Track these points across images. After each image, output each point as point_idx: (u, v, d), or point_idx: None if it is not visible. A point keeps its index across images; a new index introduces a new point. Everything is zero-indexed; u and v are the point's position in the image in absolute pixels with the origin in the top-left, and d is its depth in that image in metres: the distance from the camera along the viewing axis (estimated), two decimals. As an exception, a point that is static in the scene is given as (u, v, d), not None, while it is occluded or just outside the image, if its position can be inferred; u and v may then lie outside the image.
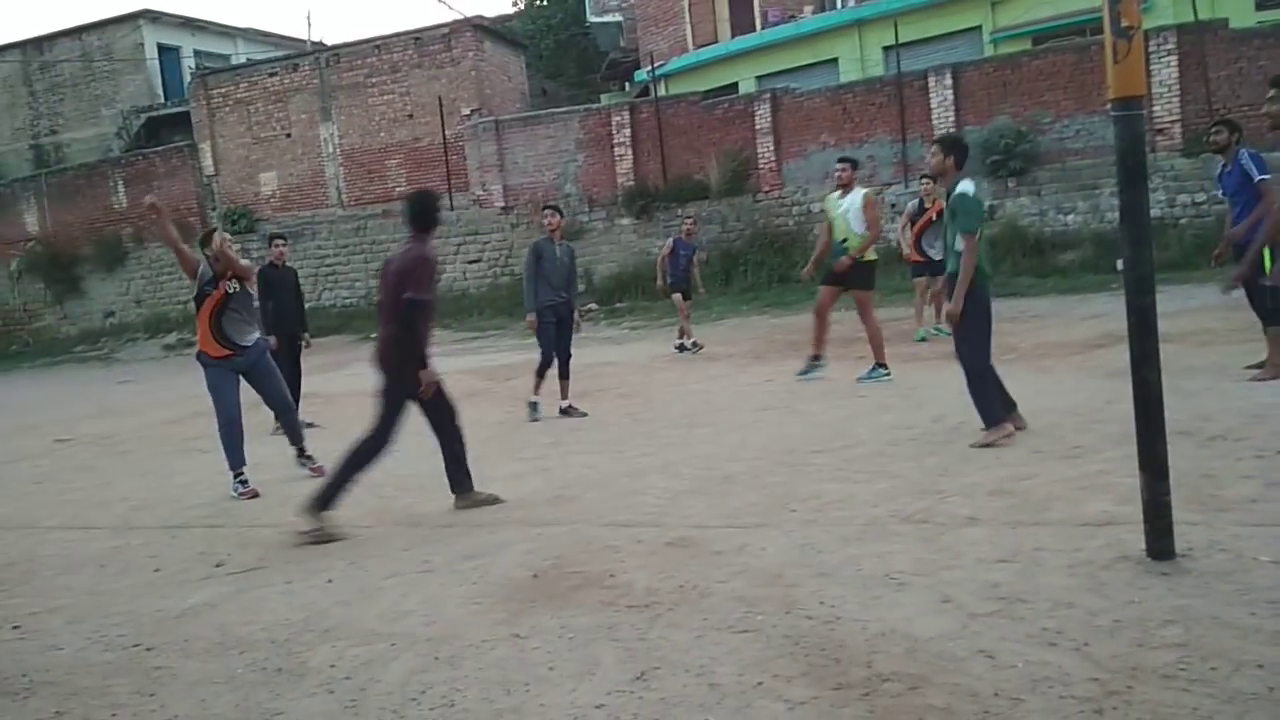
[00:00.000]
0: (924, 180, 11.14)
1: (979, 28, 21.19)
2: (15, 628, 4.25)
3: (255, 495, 6.50)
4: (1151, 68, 16.29)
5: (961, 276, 5.87)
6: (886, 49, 21.31)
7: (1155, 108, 16.34)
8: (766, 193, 19.49)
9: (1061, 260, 15.73)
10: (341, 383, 12.57)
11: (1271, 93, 5.07)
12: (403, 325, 5.31)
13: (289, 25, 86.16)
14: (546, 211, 8.82)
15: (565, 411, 8.50)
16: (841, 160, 8.94)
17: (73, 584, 4.88)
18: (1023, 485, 4.96)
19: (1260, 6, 20.61)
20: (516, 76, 25.17)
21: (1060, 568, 3.76)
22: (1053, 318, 11.56)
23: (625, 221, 20.45)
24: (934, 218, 10.56)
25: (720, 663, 3.24)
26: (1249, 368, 7.11)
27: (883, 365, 8.63)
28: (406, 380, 5.37)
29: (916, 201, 11.23)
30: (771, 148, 19.48)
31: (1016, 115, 17.06)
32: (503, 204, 21.76)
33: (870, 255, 8.72)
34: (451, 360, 12.98)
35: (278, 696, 3.30)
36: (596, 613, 3.78)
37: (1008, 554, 3.98)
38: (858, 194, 8.75)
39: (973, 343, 5.98)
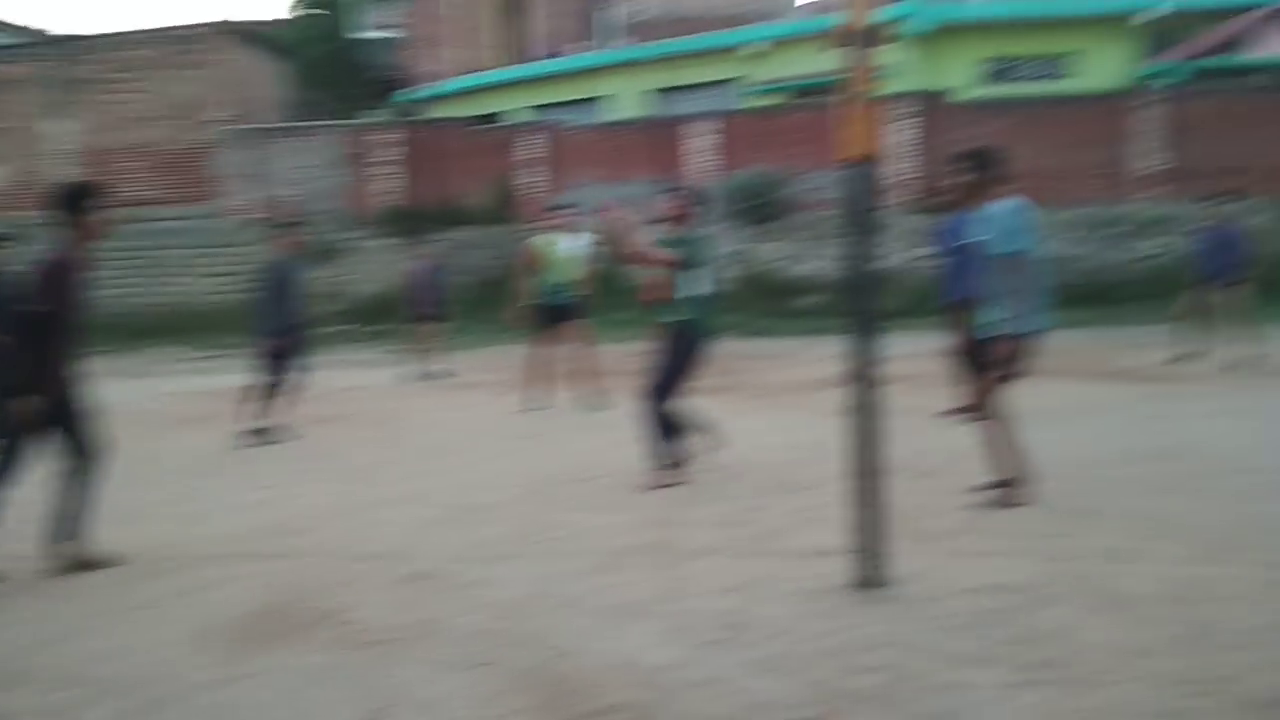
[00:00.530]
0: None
1: (735, 79, 22.32)
2: None
3: None
4: (890, 131, 17.70)
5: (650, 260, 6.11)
6: (655, 91, 22.06)
7: (894, 167, 17.75)
8: (532, 223, 19.60)
9: (804, 304, 16.71)
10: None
11: (957, 166, 5.29)
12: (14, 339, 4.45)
13: (27, 13, 78.84)
14: (289, 229, 8.45)
15: (261, 432, 8.07)
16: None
17: None
18: (754, 516, 5.20)
19: (985, 81, 22.88)
20: (274, 85, 24.11)
21: (783, 596, 3.97)
22: (792, 358, 12.23)
23: (385, 242, 19.97)
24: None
25: (455, 699, 3.20)
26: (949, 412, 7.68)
27: (596, 398, 8.83)
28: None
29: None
30: (540, 178, 19.65)
31: (771, 165, 18.04)
32: (254, 215, 20.70)
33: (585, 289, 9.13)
34: (187, 380, 12.21)
35: (-48, 751, 2.97)
36: (328, 650, 3.64)
37: (736, 583, 4.15)
38: (586, 236, 9.12)
39: (661, 378, 6.05)
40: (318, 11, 32.22)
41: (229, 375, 11.61)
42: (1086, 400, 8.23)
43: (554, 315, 9.03)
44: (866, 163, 3.85)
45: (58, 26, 37.55)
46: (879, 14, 3.93)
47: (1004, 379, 5.11)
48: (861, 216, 3.90)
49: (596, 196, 19.02)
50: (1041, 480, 5.20)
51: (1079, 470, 5.94)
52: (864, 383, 3.92)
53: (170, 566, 4.78)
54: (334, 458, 7.48)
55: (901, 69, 21.38)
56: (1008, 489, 5.12)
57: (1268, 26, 22.09)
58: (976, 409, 5.26)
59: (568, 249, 9.10)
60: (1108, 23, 23.22)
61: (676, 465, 6.07)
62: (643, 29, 27.32)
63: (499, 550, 4.82)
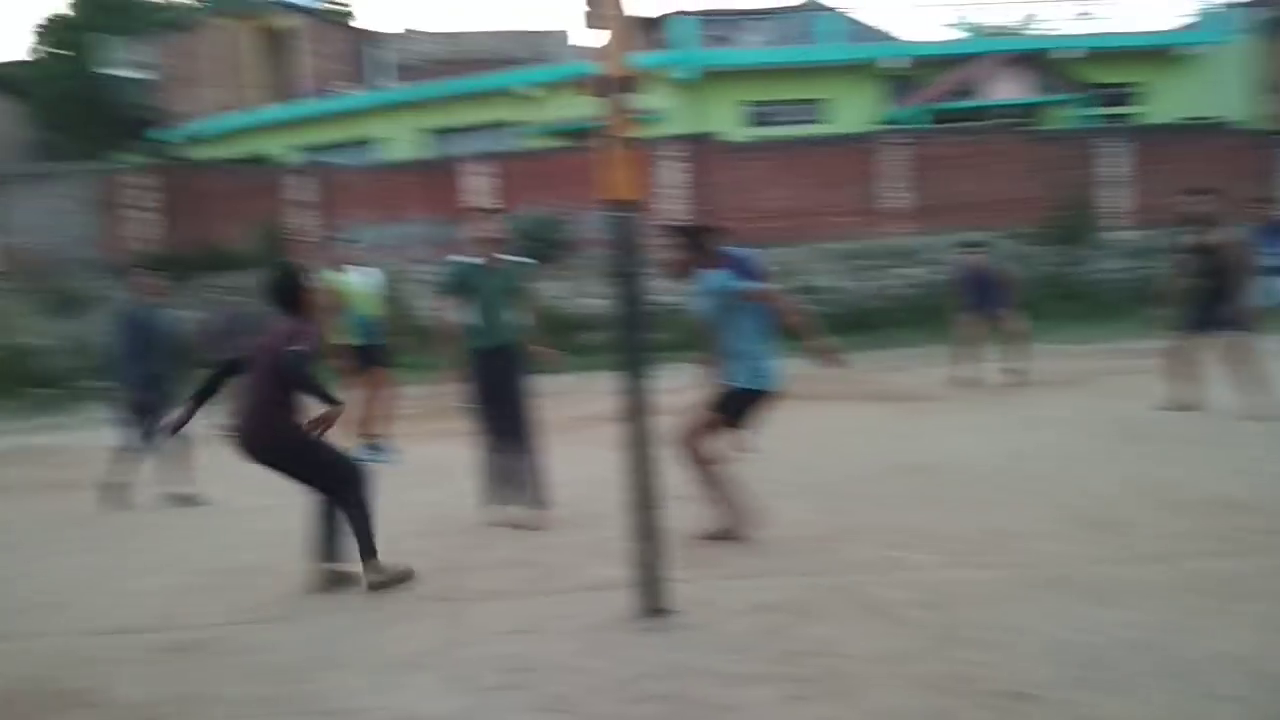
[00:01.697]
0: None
1: (519, 121, 22.50)
2: None
3: None
4: (662, 171, 18.29)
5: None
6: (431, 131, 21.90)
7: (664, 208, 18.32)
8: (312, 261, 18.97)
9: (586, 339, 16.93)
10: None
11: (669, 241, 5.35)
12: None
13: None
14: (148, 274, 7.87)
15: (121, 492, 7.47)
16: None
17: None
18: (540, 555, 5.21)
19: (750, 124, 24.07)
20: (12, 127, 22.31)
21: (569, 633, 4.00)
22: (576, 393, 12.34)
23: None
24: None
25: (223, 773, 3.03)
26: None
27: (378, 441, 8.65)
28: None
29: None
30: (308, 220, 19.04)
31: (551, 205, 18.23)
32: (-5, 267, 18.99)
33: None
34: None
35: None
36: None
37: (523, 625, 4.15)
38: (374, 271, 9.00)
39: (472, 417, 6.09)
40: (62, 52, 30.09)
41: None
42: (848, 421, 8.74)
43: (366, 356, 8.66)
44: (628, 206, 3.98)
45: None
46: (635, 61, 4.08)
47: (722, 426, 5.30)
48: (626, 258, 4.01)
49: (371, 238, 18.65)
50: (804, 499, 5.47)
51: (843, 486, 6.30)
52: (637, 417, 4.03)
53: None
54: (86, 525, 6.93)
55: (670, 113, 22.18)
56: (731, 528, 5.23)
57: (997, 71, 24.36)
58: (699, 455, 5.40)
59: (361, 284, 8.82)
60: (855, 70, 24.97)
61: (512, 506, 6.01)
62: (415, 70, 27.13)
63: (269, 612, 4.60)
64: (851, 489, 6.26)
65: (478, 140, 21.92)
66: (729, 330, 5.22)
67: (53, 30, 31.68)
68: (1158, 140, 19.82)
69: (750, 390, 5.21)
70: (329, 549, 4.90)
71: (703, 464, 5.30)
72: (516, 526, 5.88)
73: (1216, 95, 25.99)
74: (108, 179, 19.43)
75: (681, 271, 5.36)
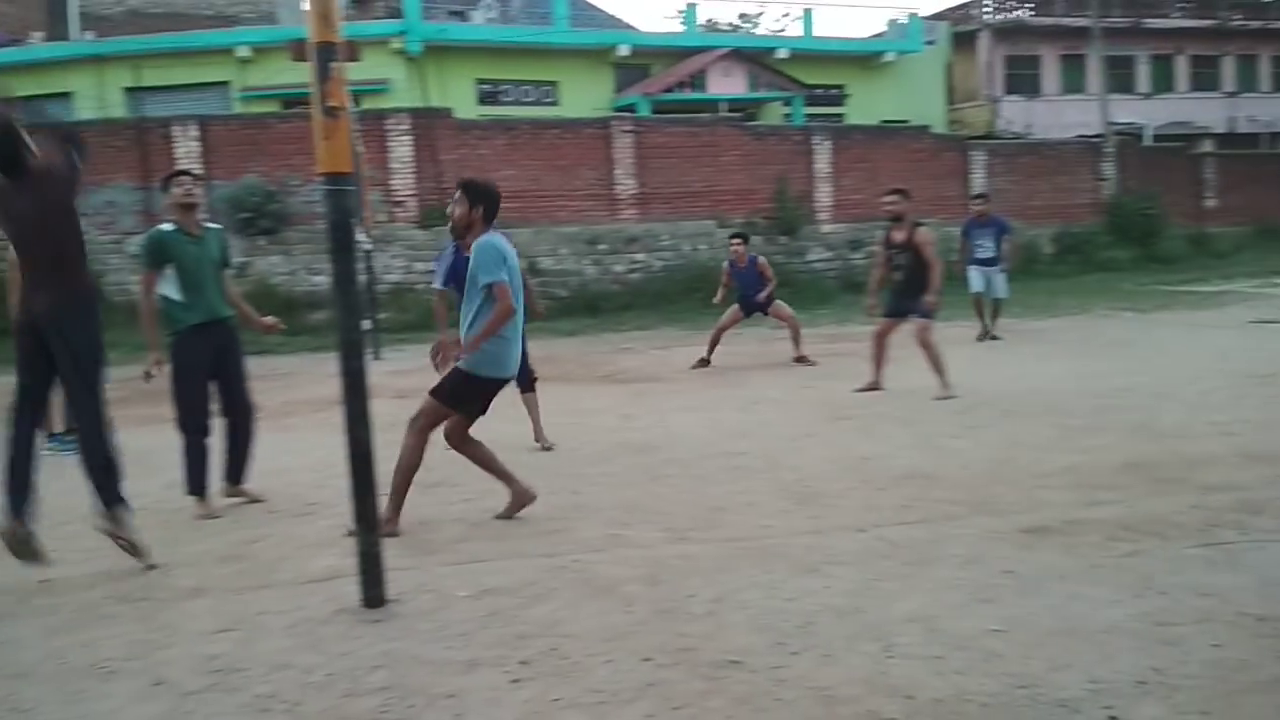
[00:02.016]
0: None
1: (228, 83, 21.06)
2: None
3: None
4: (389, 145, 17.72)
5: None
6: (129, 90, 20.07)
7: (394, 182, 17.79)
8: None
9: (312, 319, 16.16)
10: None
11: (457, 194, 5.14)
12: None
13: None
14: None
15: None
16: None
17: None
18: (254, 548, 4.91)
19: (482, 101, 23.79)
20: None
21: (281, 629, 3.78)
22: (301, 375, 11.78)
23: None
24: None
25: None
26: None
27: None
28: None
29: None
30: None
31: (266, 175, 17.20)
32: None
33: None
34: None
35: None
36: None
37: (230, 622, 3.88)
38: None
39: (174, 401, 5.68)
40: None
41: None
42: (579, 403, 8.85)
43: None
44: (341, 178, 3.79)
45: None
46: (346, 28, 3.89)
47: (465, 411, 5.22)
48: (341, 232, 3.83)
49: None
50: (533, 480, 5.47)
51: (572, 467, 6.38)
52: (356, 400, 3.86)
53: None
54: None
55: (398, 85, 21.55)
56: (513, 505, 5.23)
57: (719, 67, 25.44)
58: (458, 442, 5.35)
59: None
60: (586, 55, 25.32)
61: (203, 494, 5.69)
62: (113, 22, 24.84)
63: (-69, 622, 4.06)
64: (580, 469, 6.34)
65: (178, 102, 20.36)
66: (472, 309, 5.06)
67: None
68: (858, 140, 21.40)
69: (482, 376, 5.11)
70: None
71: (467, 450, 5.28)
72: (241, 500, 5.75)
73: (914, 100, 28.50)
74: None
75: (462, 230, 5.17)
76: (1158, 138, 30.13)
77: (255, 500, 5.87)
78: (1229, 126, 34.04)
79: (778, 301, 11.15)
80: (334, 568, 4.46)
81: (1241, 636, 3.34)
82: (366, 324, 13.12)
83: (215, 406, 5.79)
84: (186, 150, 17.16)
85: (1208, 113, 33.77)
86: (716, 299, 11.48)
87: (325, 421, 8.70)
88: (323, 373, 11.84)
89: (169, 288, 5.55)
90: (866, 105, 27.53)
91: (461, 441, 5.31)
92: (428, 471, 6.37)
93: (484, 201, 5.09)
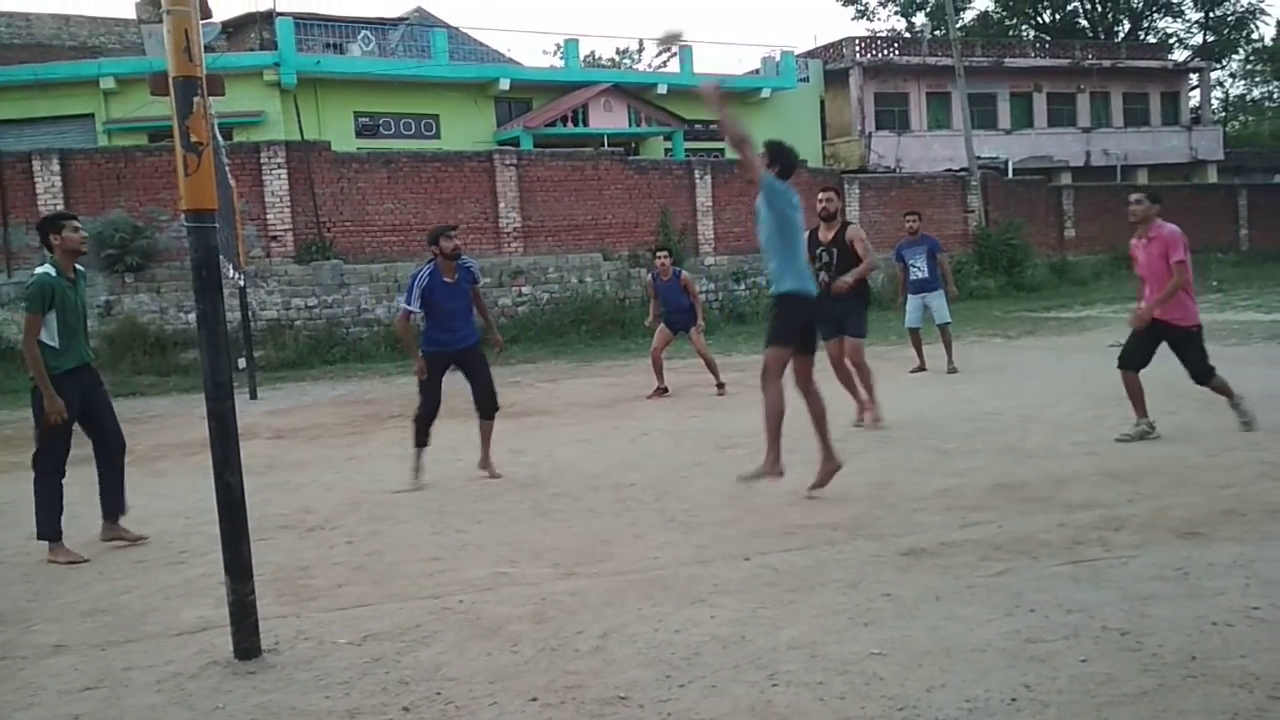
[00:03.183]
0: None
1: (92, 116, 20.28)
2: None
3: None
4: (264, 179, 17.31)
5: None
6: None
7: (269, 216, 17.37)
8: None
9: (184, 359, 15.60)
10: None
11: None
12: None
13: None
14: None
15: None
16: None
17: None
18: (121, 600, 4.68)
19: (360, 134, 23.47)
20: None
21: (148, 685, 3.61)
22: (173, 417, 11.35)
23: None
24: None
25: None
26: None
27: None
28: None
29: None
30: None
31: (132, 210, 16.58)
32: None
33: None
34: None
35: None
36: None
37: (94, 680, 3.68)
38: None
39: (38, 441, 5.53)
40: None
41: None
42: (464, 438, 8.71)
43: None
44: (205, 215, 3.68)
45: None
46: (206, 60, 3.78)
47: None
48: (207, 273, 3.70)
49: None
50: (416, 520, 5.37)
51: (457, 504, 6.28)
52: (225, 442, 3.73)
53: None
54: None
55: (272, 118, 21.10)
56: None
57: (601, 101, 25.69)
58: None
59: None
60: (466, 89, 25.27)
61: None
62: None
63: None
64: (466, 506, 6.25)
65: (48, 135, 19.52)
66: None
67: None
68: (738, 174, 21.82)
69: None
70: None
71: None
72: (121, 542, 5.66)
73: (789, 135, 29.11)
74: None
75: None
76: (1019, 171, 31.63)
77: (137, 539, 5.72)
78: (1085, 160, 35.99)
79: (698, 330, 11.09)
80: (206, 618, 4.28)
81: (1107, 651, 3.49)
82: (241, 363, 12.75)
83: (73, 451, 5.58)
84: (47, 185, 16.42)
85: (1065, 147, 35.66)
86: (648, 321, 11.46)
87: (198, 465, 8.40)
88: (195, 414, 11.43)
89: (45, 333, 5.37)
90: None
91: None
92: (307, 514, 6.24)
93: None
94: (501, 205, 19.07)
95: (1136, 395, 7.21)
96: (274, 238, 17.39)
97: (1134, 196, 7.29)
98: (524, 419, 9.96)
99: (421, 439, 6.99)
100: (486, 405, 7.14)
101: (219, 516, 3.75)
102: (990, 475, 6.34)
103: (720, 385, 10.80)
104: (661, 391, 10.90)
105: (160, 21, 3.61)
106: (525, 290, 18.47)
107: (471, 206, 18.76)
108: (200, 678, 3.65)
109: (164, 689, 3.57)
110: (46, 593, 4.92)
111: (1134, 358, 7.21)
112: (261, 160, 17.40)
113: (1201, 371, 7.14)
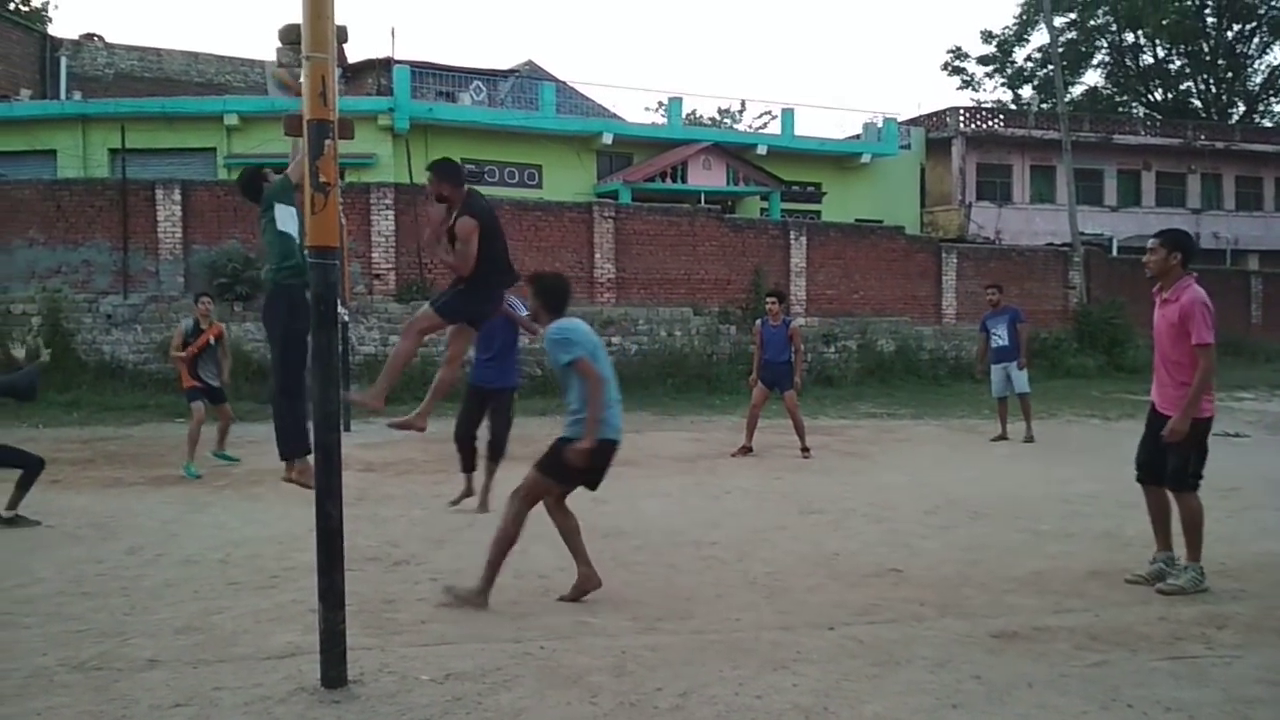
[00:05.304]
0: (201, 298, 10.14)
1: (214, 149, 21.22)
2: None
3: None
4: (372, 219, 17.86)
5: None
6: (113, 151, 20.16)
7: (374, 255, 17.87)
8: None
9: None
10: None
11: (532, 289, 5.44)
12: None
13: None
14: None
15: None
16: None
17: None
18: (213, 620, 4.80)
19: (475, 182, 24.02)
20: None
21: (236, 706, 3.69)
22: (269, 444, 11.64)
23: None
24: (210, 341, 9.90)
25: None
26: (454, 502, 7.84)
27: None
28: None
29: (191, 321, 10.03)
30: (-36, 235, 16.91)
31: (246, 241, 17.22)
32: None
33: None
34: None
35: None
36: None
37: (185, 697, 3.78)
38: None
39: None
40: None
41: None
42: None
43: None
44: (327, 252, 3.82)
45: None
46: (339, 104, 3.95)
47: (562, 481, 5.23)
48: (322, 305, 3.84)
49: (38, 259, 16.82)
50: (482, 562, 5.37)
51: (537, 552, 6.30)
52: (329, 474, 3.83)
53: None
54: None
55: (384, 160, 21.80)
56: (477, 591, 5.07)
57: (700, 159, 25.97)
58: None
59: None
60: (569, 141, 25.79)
61: None
62: (102, 84, 25.08)
63: None
64: (544, 554, 6.27)
65: (163, 165, 20.46)
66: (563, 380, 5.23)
67: None
68: (833, 237, 21.81)
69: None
70: None
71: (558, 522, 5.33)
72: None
73: (888, 201, 29.15)
74: None
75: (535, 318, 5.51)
76: (1124, 249, 30.89)
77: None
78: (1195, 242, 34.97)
79: (793, 391, 10.96)
80: (294, 644, 4.37)
81: (1208, 752, 3.34)
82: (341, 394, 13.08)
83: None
84: (169, 213, 17.19)
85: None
86: (750, 379, 11.41)
87: (291, 492, 8.60)
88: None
89: None
90: (842, 203, 28.13)
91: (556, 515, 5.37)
92: (394, 548, 6.34)
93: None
94: (597, 256, 19.33)
95: (1159, 518, 5.70)
96: (377, 276, 17.88)
97: (1151, 242, 5.75)
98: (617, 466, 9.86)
99: (464, 464, 7.74)
100: (494, 451, 7.71)
101: (317, 544, 3.83)
102: (1086, 561, 6.14)
103: (805, 449, 10.70)
104: (746, 451, 10.84)
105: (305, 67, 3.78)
106: (615, 340, 18.59)
107: (568, 256, 19.04)
108: (287, 703, 3.72)
109: (251, 712, 3.64)
110: (143, 608, 5.07)
111: (1151, 466, 5.68)
112: (371, 201, 17.96)
113: (1180, 479, 5.48)
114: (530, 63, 30.60)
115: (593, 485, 5.38)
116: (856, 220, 25.59)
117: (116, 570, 5.86)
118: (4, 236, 17.06)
